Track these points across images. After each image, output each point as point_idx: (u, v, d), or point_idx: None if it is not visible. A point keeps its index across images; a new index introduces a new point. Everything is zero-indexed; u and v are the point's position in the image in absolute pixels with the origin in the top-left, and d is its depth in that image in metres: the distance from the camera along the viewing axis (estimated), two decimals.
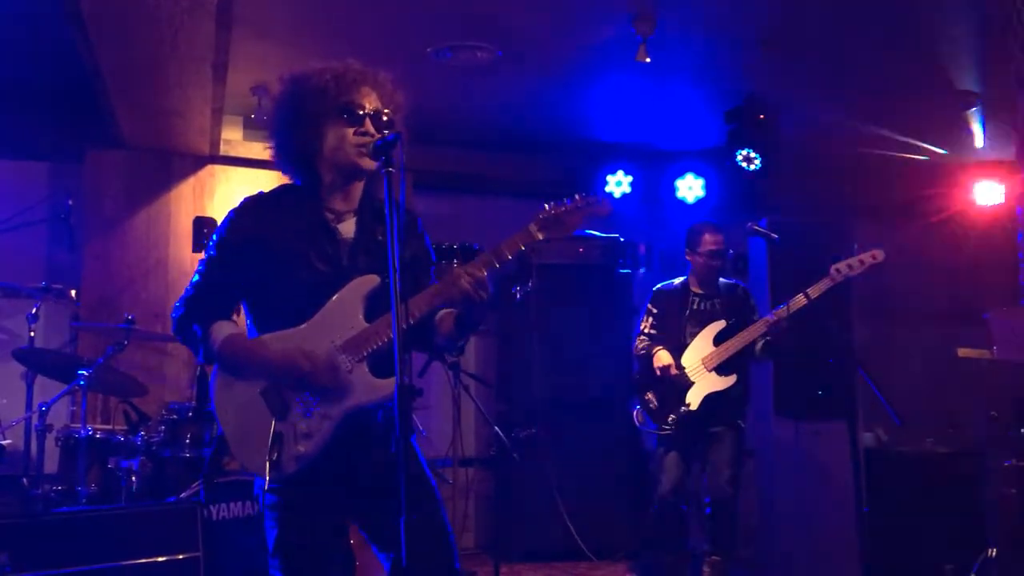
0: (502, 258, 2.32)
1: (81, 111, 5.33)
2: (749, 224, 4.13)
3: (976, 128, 5.86)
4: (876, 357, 6.87)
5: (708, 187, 6.47)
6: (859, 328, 5.58)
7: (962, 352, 4.77)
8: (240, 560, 3.72)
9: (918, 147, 6.45)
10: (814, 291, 4.41)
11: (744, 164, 5.60)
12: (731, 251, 4.88)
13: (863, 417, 5.32)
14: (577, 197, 2.41)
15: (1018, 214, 3.48)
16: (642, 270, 6.58)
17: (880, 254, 4.36)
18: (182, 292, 2.43)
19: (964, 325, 6.63)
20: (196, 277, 2.40)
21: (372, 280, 2.33)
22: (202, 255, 2.46)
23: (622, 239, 6.32)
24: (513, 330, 6.13)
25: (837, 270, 4.36)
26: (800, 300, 4.43)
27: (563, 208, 2.38)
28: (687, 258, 4.91)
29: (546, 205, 2.39)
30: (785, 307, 4.44)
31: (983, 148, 6.39)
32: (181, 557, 3.56)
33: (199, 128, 5.28)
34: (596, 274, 6.17)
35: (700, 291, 4.83)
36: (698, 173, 6.49)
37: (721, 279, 4.87)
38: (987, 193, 6.80)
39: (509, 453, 4.95)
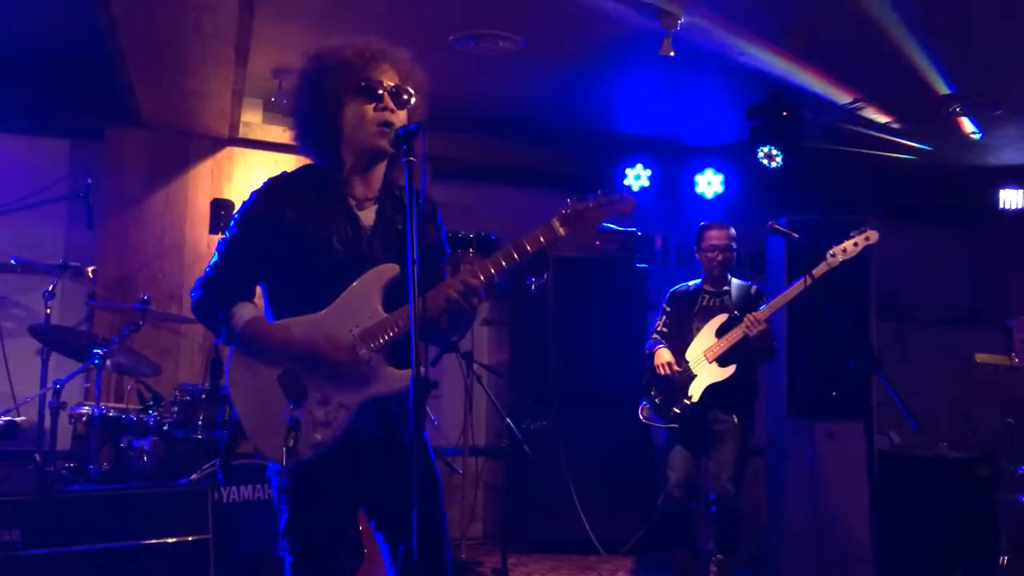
0: (523, 253, 2.29)
1: (102, 88, 5.33)
2: (770, 223, 4.07)
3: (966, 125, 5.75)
4: (891, 359, 6.85)
5: (727, 183, 6.43)
6: (876, 329, 5.54)
7: (980, 357, 4.73)
8: (249, 543, 3.73)
9: (943, 149, 6.39)
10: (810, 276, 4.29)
11: (766, 161, 5.56)
12: (734, 246, 4.82)
13: (877, 419, 5.28)
14: (600, 194, 2.38)
15: None
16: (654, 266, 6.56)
17: (874, 235, 4.19)
18: (198, 275, 2.41)
19: (981, 329, 6.59)
20: (216, 258, 2.37)
21: (392, 269, 2.31)
22: (221, 235, 2.43)
23: (639, 233, 6.29)
24: (527, 321, 6.10)
25: (833, 255, 4.24)
26: (793, 291, 4.39)
27: (586, 205, 2.36)
28: (696, 256, 4.91)
29: (568, 200, 2.36)
30: (764, 309, 4.47)
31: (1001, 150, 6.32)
32: (191, 539, 3.56)
33: (219, 110, 5.26)
34: (612, 267, 6.14)
35: (711, 289, 4.83)
36: (718, 169, 6.44)
37: (735, 279, 4.85)
38: (1011, 197, 6.74)
39: (520, 444, 4.94)
